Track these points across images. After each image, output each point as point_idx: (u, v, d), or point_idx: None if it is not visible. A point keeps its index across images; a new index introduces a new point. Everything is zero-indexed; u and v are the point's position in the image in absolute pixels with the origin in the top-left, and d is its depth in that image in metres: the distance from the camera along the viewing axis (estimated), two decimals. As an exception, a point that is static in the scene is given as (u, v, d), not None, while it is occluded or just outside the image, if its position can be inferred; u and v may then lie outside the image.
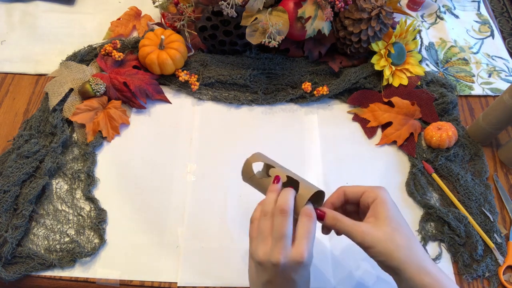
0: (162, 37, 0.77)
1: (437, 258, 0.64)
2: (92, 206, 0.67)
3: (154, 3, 0.86)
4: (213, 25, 0.78)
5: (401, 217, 0.49)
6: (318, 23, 0.75)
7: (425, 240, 0.65)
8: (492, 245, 0.64)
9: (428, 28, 0.96)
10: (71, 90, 0.77)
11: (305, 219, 0.47)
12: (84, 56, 0.83)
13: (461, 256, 0.63)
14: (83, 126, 0.74)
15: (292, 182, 0.52)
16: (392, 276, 0.48)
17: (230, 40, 0.80)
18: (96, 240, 0.64)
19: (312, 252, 0.46)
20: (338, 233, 0.50)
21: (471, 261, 0.63)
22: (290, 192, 0.48)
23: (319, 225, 0.50)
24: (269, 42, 0.72)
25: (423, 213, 0.68)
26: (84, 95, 0.75)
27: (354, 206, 0.53)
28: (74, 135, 0.74)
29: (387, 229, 0.47)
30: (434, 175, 0.71)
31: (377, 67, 0.80)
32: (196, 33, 0.82)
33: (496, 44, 0.94)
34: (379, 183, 0.71)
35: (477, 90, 0.85)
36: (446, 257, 0.64)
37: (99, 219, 0.65)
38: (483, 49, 0.92)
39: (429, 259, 0.47)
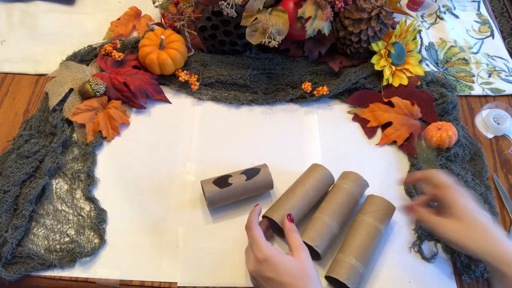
0: (162, 37, 0.77)
1: (433, 257, 0.64)
2: (92, 206, 0.67)
3: (154, 3, 0.86)
4: (213, 25, 0.78)
5: (478, 210, 0.55)
6: (318, 23, 0.75)
7: (421, 240, 0.65)
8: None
9: (428, 28, 0.96)
10: (71, 90, 0.78)
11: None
12: (84, 56, 0.83)
13: (458, 257, 0.63)
14: (83, 126, 0.74)
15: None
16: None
17: (230, 40, 0.80)
18: (96, 240, 0.64)
19: (269, 249, 0.54)
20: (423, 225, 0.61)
21: (469, 261, 0.63)
22: (251, 213, 0.60)
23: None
24: (269, 42, 0.72)
25: (422, 213, 0.68)
26: (84, 95, 0.75)
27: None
28: (74, 135, 0.74)
29: (464, 226, 0.53)
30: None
31: (377, 67, 0.80)
32: (196, 33, 0.83)
33: (496, 44, 0.94)
34: (379, 183, 0.71)
35: (477, 90, 0.85)
36: (445, 257, 0.64)
37: (99, 219, 0.65)
38: (483, 49, 0.92)
39: (509, 247, 0.51)
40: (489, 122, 0.79)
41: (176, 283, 0.61)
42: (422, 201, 0.61)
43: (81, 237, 0.64)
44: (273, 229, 0.65)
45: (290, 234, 0.57)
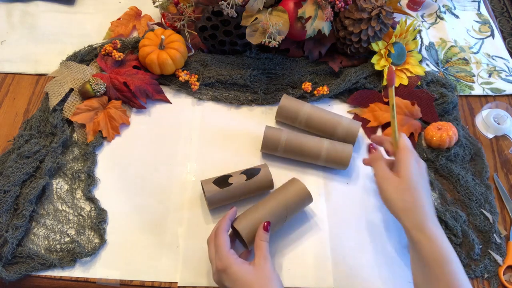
0: (162, 37, 0.77)
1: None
2: (92, 206, 0.67)
3: (154, 3, 0.86)
4: (213, 25, 0.78)
5: (420, 179, 0.57)
6: (318, 23, 0.75)
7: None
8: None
9: (428, 28, 0.96)
10: (71, 90, 0.78)
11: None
12: (84, 56, 0.83)
13: (458, 257, 0.63)
14: (83, 126, 0.74)
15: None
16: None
17: (230, 40, 0.80)
18: (96, 240, 0.64)
19: (228, 258, 0.54)
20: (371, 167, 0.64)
21: (469, 261, 0.63)
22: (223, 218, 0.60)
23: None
24: (269, 42, 0.72)
25: (423, 213, 0.68)
26: (84, 95, 0.76)
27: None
28: (74, 135, 0.74)
29: (402, 186, 0.56)
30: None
31: (377, 67, 0.80)
32: (196, 33, 0.83)
33: (496, 44, 0.94)
34: (379, 183, 0.71)
35: (477, 90, 0.85)
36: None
37: (99, 219, 0.65)
38: (483, 49, 0.92)
39: (431, 221, 0.54)
40: (489, 122, 0.79)
41: (176, 283, 0.61)
42: (381, 152, 0.65)
43: (82, 237, 0.64)
44: (239, 239, 0.63)
45: (259, 243, 0.57)
